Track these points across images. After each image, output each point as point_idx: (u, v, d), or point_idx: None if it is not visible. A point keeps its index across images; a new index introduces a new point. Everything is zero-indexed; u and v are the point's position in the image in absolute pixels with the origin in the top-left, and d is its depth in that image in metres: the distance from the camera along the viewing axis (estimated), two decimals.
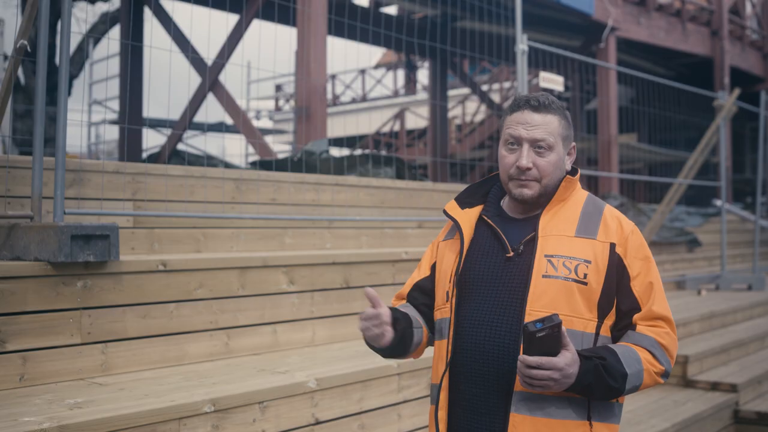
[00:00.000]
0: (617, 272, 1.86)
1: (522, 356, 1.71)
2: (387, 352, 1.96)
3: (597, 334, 1.85)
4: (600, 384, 1.77)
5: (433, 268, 2.08)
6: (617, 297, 1.87)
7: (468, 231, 1.98)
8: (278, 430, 3.08)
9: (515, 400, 1.80)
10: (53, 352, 3.04)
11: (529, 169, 1.89)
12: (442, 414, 1.93)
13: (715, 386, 5.42)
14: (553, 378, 1.71)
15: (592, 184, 12.27)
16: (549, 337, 1.69)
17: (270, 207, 4.91)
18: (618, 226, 1.90)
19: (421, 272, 2.11)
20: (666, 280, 8.59)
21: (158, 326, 3.42)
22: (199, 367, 3.43)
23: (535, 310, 1.80)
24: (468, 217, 2.01)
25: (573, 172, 2.00)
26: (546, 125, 1.91)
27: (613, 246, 1.87)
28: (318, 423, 3.23)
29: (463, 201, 2.06)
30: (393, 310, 1.97)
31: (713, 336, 6.40)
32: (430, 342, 2.09)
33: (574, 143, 2.01)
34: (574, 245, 1.86)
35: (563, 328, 1.70)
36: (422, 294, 2.09)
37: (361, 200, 5.48)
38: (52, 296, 3.06)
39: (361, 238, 5.37)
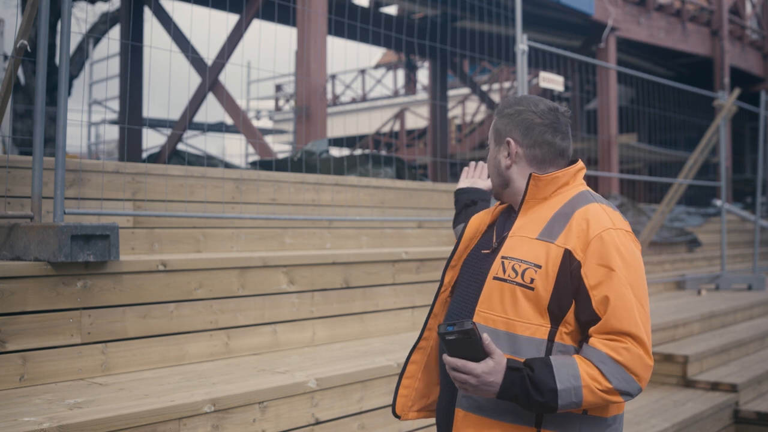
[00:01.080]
0: (572, 280, 1.76)
1: (444, 355, 1.73)
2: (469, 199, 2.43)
3: (551, 340, 1.77)
4: (526, 397, 1.69)
5: None
6: (577, 306, 1.77)
7: (475, 226, 2.05)
8: (278, 430, 3.08)
9: (459, 395, 1.85)
10: (53, 352, 3.04)
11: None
12: (408, 382, 2.04)
13: (715, 386, 5.41)
14: (469, 383, 1.69)
15: (592, 184, 12.28)
16: (461, 341, 1.67)
17: (270, 207, 4.91)
18: (583, 230, 1.79)
19: None
20: (666, 280, 8.59)
21: (158, 326, 3.42)
22: (199, 367, 3.43)
23: (482, 310, 1.83)
24: (489, 213, 2.07)
25: (572, 162, 1.96)
26: (490, 127, 2.05)
27: (568, 252, 1.77)
28: (318, 423, 3.23)
29: None
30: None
31: (713, 336, 6.40)
32: None
33: (508, 138, 1.95)
34: (532, 248, 1.82)
35: (482, 335, 1.68)
36: None
37: (361, 200, 5.48)
38: (52, 296, 3.06)
39: (361, 238, 5.37)
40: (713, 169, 12.64)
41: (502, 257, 1.84)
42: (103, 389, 2.93)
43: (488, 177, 2.30)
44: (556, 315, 1.77)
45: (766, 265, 10.61)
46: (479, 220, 2.05)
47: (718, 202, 11.30)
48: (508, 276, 1.80)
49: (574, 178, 1.93)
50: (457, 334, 1.66)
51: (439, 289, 2.04)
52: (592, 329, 1.75)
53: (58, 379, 3.04)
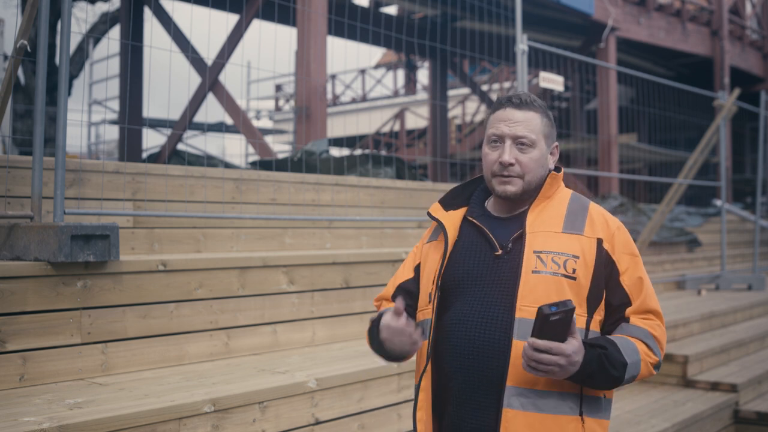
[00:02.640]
0: (605, 267, 1.88)
1: (532, 339, 1.71)
2: (392, 357, 1.97)
3: (587, 329, 1.86)
4: (602, 373, 1.79)
5: (417, 269, 2.08)
6: (607, 292, 1.89)
7: (452, 232, 1.99)
8: (278, 430, 3.08)
9: (508, 395, 1.80)
10: (53, 352, 3.04)
11: (511, 164, 1.91)
12: (421, 414, 1.93)
13: (715, 386, 5.42)
14: (559, 364, 1.72)
15: (592, 184, 12.27)
16: (561, 322, 1.69)
17: (270, 207, 4.91)
18: (604, 222, 1.93)
19: (405, 274, 2.11)
20: (666, 280, 8.59)
21: (158, 326, 3.42)
22: (199, 367, 3.43)
23: (525, 305, 1.81)
24: (452, 219, 2.02)
25: (557, 169, 2.02)
26: (528, 122, 1.93)
27: (600, 241, 1.89)
28: (318, 423, 3.23)
29: (448, 203, 2.06)
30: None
31: (713, 336, 6.40)
32: None
33: (556, 143, 2.02)
34: (562, 241, 1.87)
35: (574, 315, 1.72)
36: (407, 295, 2.07)
37: (361, 200, 5.49)
38: (52, 296, 3.06)
39: (361, 238, 5.37)
40: (713, 169, 12.64)
41: (536, 252, 1.85)
42: (103, 389, 2.93)
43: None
44: (592, 303, 1.86)
45: (766, 265, 10.61)
46: (452, 227, 1.99)
47: (718, 202, 11.30)
48: (551, 268, 1.83)
49: (561, 180, 2.03)
50: (560, 314, 1.68)
51: (432, 299, 1.95)
52: (629, 310, 1.89)
53: (58, 379, 3.04)
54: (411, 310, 2.05)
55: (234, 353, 3.71)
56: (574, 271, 1.83)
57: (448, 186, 6.71)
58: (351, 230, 5.32)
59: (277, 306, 3.93)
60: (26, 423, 2.39)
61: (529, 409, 1.80)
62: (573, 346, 1.73)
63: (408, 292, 2.07)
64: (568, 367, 1.74)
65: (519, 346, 1.79)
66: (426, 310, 1.97)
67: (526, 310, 1.81)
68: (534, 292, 1.82)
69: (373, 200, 5.63)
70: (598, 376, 1.79)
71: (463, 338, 1.87)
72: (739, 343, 6.34)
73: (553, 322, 1.68)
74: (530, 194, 1.96)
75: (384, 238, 5.53)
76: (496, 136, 1.95)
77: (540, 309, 1.68)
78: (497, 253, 1.91)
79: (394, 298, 2.09)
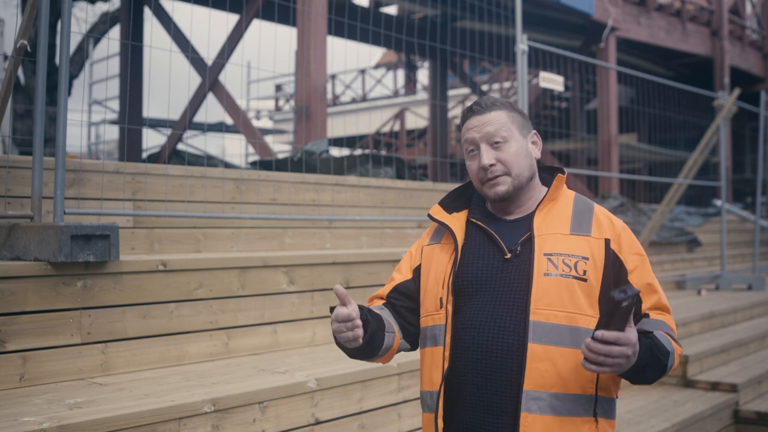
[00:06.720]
0: (614, 267, 1.87)
1: (601, 332, 1.62)
2: (354, 353, 1.91)
3: None
4: (654, 362, 1.76)
5: (416, 271, 2.04)
6: None
7: (461, 235, 1.96)
8: (278, 430, 3.08)
9: (525, 399, 1.78)
10: (53, 352, 3.04)
11: (493, 165, 1.90)
12: (440, 423, 1.89)
13: (715, 386, 5.41)
14: (626, 354, 1.65)
15: (592, 184, 12.27)
16: (627, 309, 1.60)
17: (270, 207, 4.91)
18: (609, 223, 1.93)
19: (402, 275, 2.07)
20: (666, 280, 8.59)
21: (158, 326, 3.42)
22: (199, 367, 3.43)
23: (539, 308, 1.80)
24: (458, 221, 1.99)
25: (561, 171, 2.00)
26: (494, 121, 1.93)
27: (608, 242, 1.88)
28: (318, 423, 3.23)
29: (449, 205, 2.04)
30: (366, 310, 1.88)
31: (713, 336, 6.40)
32: (402, 348, 2.04)
33: (534, 131, 2.01)
34: (571, 243, 1.86)
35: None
36: (403, 296, 2.04)
37: (361, 200, 5.49)
38: (52, 296, 3.06)
39: (361, 238, 5.37)
40: (713, 169, 12.64)
41: (546, 254, 1.84)
42: (103, 389, 2.93)
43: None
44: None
45: (766, 265, 10.61)
46: (459, 229, 1.97)
47: (718, 202, 11.29)
48: (563, 271, 1.82)
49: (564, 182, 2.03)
50: (629, 300, 1.56)
51: (445, 304, 1.91)
52: (646, 306, 1.90)
53: (58, 379, 3.04)
54: (404, 310, 2.03)
55: (234, 353, 3.71)
56: (584, 272, 1.82)
57: (448, 186, 6.71)
58: (351, 230, 5.32)
59: (277, 306, 3.94)
60: (26, 423, 2.39)
61: (546, 412, 1.78)
62: (634, 333, 1.66)
63: (404, 293, 2.04)
64: (633, 358, 1.67)
65: (534, 349, 1.78)
66: (437, 315, 1.93)
67: (540, 313, 1.79)
68: (547, 295, 1.81)
69: (373, 200, 5.63)
70: (651, 366, 1.76)
71: (476, 343, 1.84)
72: (739, 343, 6.34)
73: (621, 311, 1.59)
74: (525, 190, 1.94)
75: (384, 238, 5.53)
76: (470, 145, 1.94)
77: (611, 296, 1.57)
78: (507, 257, 1.88)
79: (389, 296, 2.05)
